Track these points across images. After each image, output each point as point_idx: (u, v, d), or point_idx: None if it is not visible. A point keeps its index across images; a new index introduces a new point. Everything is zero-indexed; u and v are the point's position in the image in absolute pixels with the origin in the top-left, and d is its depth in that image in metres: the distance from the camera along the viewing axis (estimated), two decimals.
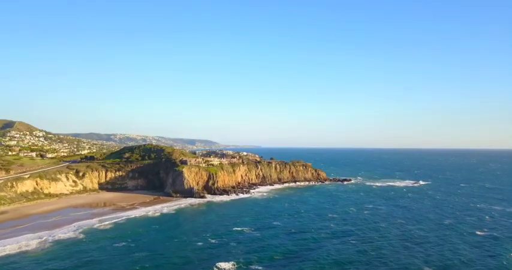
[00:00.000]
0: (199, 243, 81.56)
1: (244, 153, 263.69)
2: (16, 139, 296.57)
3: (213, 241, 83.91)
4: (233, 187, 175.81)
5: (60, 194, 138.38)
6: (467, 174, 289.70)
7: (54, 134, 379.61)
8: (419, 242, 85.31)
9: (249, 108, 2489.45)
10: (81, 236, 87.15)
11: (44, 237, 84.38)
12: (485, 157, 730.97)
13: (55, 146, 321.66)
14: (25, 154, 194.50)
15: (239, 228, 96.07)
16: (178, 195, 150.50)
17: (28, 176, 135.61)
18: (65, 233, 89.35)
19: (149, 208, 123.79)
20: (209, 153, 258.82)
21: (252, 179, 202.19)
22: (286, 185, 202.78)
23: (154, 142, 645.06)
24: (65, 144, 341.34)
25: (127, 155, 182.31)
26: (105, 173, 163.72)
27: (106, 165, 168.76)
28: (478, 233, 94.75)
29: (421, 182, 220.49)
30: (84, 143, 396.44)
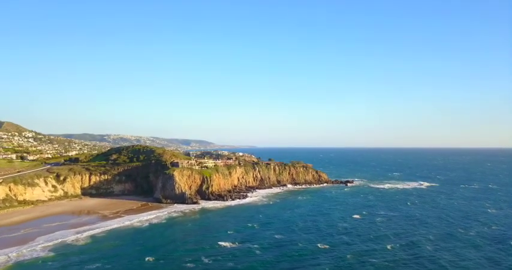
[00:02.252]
0: (190, 265, 68.99)
1: (240, 154, 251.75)
2: (3, 140, 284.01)
3: (206, 260, 71.42)
4: (229, 191, 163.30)
5: (37, 200, 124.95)
6: (468, 175, 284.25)
7: (44, 135, 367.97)
8: (436, 258, 73.31)
9: (244, 108, 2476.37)
10: (50, 254, 74.24)
11: (5, 256, 71.60)
12: (483, 156, 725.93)
13: (44, 146, 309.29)
14: (4, 156, 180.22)
15: (235, 243, 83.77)
16: (168, 201, 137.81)
17: (0, 180, 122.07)
18: (32, 249, 76.55)
19: (135, 217, 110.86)
20: (203, 154, 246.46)
21: (249, 182, 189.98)
22: (285, 188, 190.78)
23: (148, 142, 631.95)
24: (54, 145, 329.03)
25: (114, 156, 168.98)
26: (89, 177, 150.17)
27: (90, 168, 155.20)
28: (500, 245, 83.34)
29: (425, 184, 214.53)
30: (75, 143, 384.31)
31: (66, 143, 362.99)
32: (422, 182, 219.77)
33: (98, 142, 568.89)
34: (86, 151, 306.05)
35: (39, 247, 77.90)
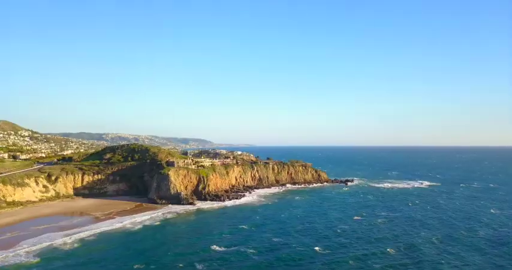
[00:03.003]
0: None
1: (239, 153, 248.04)
2: None
3: (199, 266, 67.61)
4: (226, 191, 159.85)
5: (27, 201, 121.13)
6: (468, 173, 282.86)
7: (41, 134, 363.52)
8: (438, 263, 69.58)
9: (243, 107, 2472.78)
10: (35, 259, 70.60)
11: None
12: (481, 154, 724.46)
13: (40, 145, 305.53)
14: None
15: (230, 247, 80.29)
16: (163, 201, 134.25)
17: None
18: (16, 254, 72.83)
19: (128, 219, 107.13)
20: (201, 153, 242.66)
21: (247, 181, 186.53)
22: (284, 187, 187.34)
23: (147, 141, 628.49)
24: (51, 144, 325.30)
25: (108, 155, 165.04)
26: (82, 177, 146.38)
27: (83, 167, 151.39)
28: (505, 248, 79.75)
29: (426, 183, 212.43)
30: (72, 142, 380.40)
31: (62, 142, 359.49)
32: (422, 181, 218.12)
33: (95, 141, 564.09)
34: (82, 150, 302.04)
35: (23, 251, 74.22)
